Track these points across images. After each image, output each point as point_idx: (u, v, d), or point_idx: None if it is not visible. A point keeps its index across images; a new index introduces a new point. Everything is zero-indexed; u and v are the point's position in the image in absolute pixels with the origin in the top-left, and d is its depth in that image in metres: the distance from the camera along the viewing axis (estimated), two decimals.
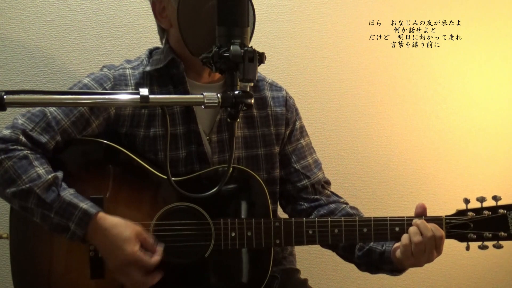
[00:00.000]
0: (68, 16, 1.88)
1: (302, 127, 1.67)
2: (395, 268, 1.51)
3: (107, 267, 1.41)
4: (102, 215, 1.35)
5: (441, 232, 1.42)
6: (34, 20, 1.84)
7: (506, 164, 2.34)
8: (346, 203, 1.64)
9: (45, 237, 1.42)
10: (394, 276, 2.24)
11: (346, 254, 1.59)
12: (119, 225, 1.35)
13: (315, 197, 1.61)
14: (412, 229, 1.43)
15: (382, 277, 2.21)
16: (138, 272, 1.35)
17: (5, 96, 0.95)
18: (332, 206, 1.61)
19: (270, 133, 1.59)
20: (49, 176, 1.35)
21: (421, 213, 1.48)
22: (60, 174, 1.38)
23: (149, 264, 1.35)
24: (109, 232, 1.34)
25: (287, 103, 1.63)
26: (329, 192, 1.65)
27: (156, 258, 1.36)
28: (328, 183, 1.67)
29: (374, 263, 1.54)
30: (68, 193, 1.36)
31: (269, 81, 1.64)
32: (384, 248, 1.51)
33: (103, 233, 1.34)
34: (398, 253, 1.44)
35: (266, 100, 1.60)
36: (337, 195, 1.66)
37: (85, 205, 1.34)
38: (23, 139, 1.38)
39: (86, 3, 1.89)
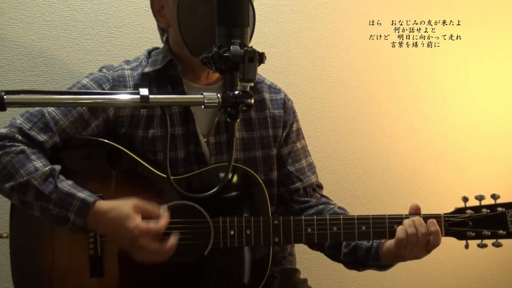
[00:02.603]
0: (68, 16, 1.88)
1: (299, 130, 1.67)
2: (382, 264, 1.51)
3: (107, 265, 1.41)
4: (99, 202, 1.35)
5: (439, 239, 1.43)
6: (34, 20, 1.85)
7: (505, 164, 2.34)
8: (335, 204, 1.64)
9: (45, 236, 1.42)
10: (394, 276, 2.26)
11: (333, 253, 1.60)
12: (115, 207, 1.34)
13: (306, 199, 1.62)
14: (407, 221, 1.44)
15: (382, 277, 2.22)
16: (151, 242, 1.33)
17: (5, 96, 0.95)
18: (321, 207, 1.61)
19: (268, 135, 1.59)
20: (46, 169, 1.36)
21: (416, 214, 1.47)
22: (57, 166, 1.39)
23: (158, 229, 1.34)
24: (108, 216, 1.34)
25: (285, 105, 1.63)
26: (319, 195, 1.65)
27: (162, 221, 1.35)
28: (320, 187, 1.67)
29: (360, 259, 1.54)
30: (66, 184, 1.36)
31: (268, 83, 1.64)
32: (370, 243, 1.51)
33: (103, 219, 1.34)
34: (389, 245, 1.45)
35: (265, 102, 1.60)
36: (327, 198, 1.66)
37: (83, 194, 1.35)
38: (20, 137, 1.39)
39: (86, 3, 1.89)
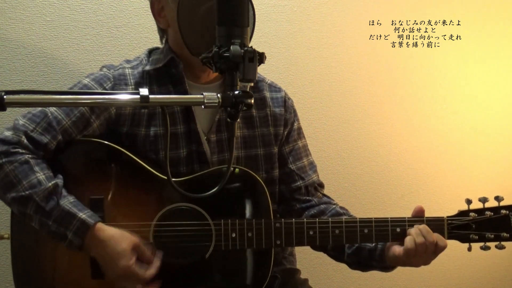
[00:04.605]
0: (68, 16, 1.88)
1: (299, 129, 1.67)
2: (387, 265, 1.51)
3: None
4: (100, 226, 1.35)
5: (445, 242, 1.44)
6: (34, 20, 1.84)
7: (506, 164, 2.34)
8: (337, 204, 1.64)
9: (46, 237, 1.41)
10: (394, 276, 2.26)
11: (337, 253, 1.60)
12: (115, 237, 1.35)
13: (307, 198, 1.62)
14: (413, 230, 1.43)
15: (382, 277, 2.22)
16: (134, 285, 1.36)
17: (5, 96, 0.94)
18: (323, 206, 1.61)
19: (269, 133, 1.59)
20: (50, 184, 1.35)
21: (419, 217, 1.47)
22: (60, 181, 1.38)
23: (143, 278, 1.36)
24: (105, 244, 1.34)
25: (286, 103, 1.63)
26: (321, 194, 1.66)
27: (150, 271, 1.36)
28: (321, 185, 1.67)
29: (364, 260, 1.54)
30: (68, 202, 1.35)
31: (269, 81, 1.65)
32: (374, 245, 1.51)
33: (100, 244, 1.34)
34: (396, 252, 1.44)
35: (265, 100, 1.60)
36: (328, 197, 1.66)
37: (84, 215, 1.34)
38: (25, 141, 1.38)
39: (86, 3, 1.89)
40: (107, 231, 1.36)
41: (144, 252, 1.37)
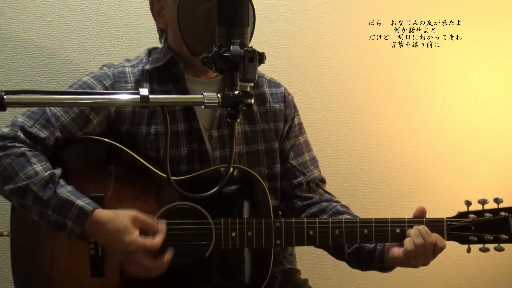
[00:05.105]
0: (68, 16, 1.88)
1: (300, 124, 1.68)
2: (387, 266, 1.51)
3: (107, 266, 1.41)
4: (98, 211, 1.35)
5: (443, 243, 1.44)
6: (34, 20, 1.84)
7: (506, 165, 2.33)
8: (338, 202, 1.64)
9: (46, 235, 1.42)
10: (394, 276, 2.26)
11: (337, 252, 1.60)
12: (114, 218, 1.34)
13: (309, 195, 1.62)
14: (413, 231, 1.43)
15: (382, 277, 2.22)
16: (146, 258, 1.35)
17: (5, 96, 0.95)
18: (324, 204, 1.61)
19: (269, 129, 1.60)
20: (46, 173, 1.35)
21: (420, 217, 1.48)
22: (58, 171, 1.38)
23: (153, 246, 1.35)
24: (106, 227, 1.33)
25: (286, 99, 1.64)
26: (322, 190, 1.66)
27: (158, 238, 1.35)
28: (323, 181, 1.67)
29: (363, 260, 1.54)
30: (65, 190, 1.35)
31: (268, 77, 1.65)
32: (373, 246, 1.51)
33: (101, 229, 1.34)
34: (396, 253, 1.44)
35: (265, 96, 1.61)
36: (330, 194, 1.66)
37: (82, 202, 1.34)
38: (21, 135, 1.38)
39: (86, 3, 1.89)
40: (105, 214, 1.35)
41: (146, 222, 1.36)
